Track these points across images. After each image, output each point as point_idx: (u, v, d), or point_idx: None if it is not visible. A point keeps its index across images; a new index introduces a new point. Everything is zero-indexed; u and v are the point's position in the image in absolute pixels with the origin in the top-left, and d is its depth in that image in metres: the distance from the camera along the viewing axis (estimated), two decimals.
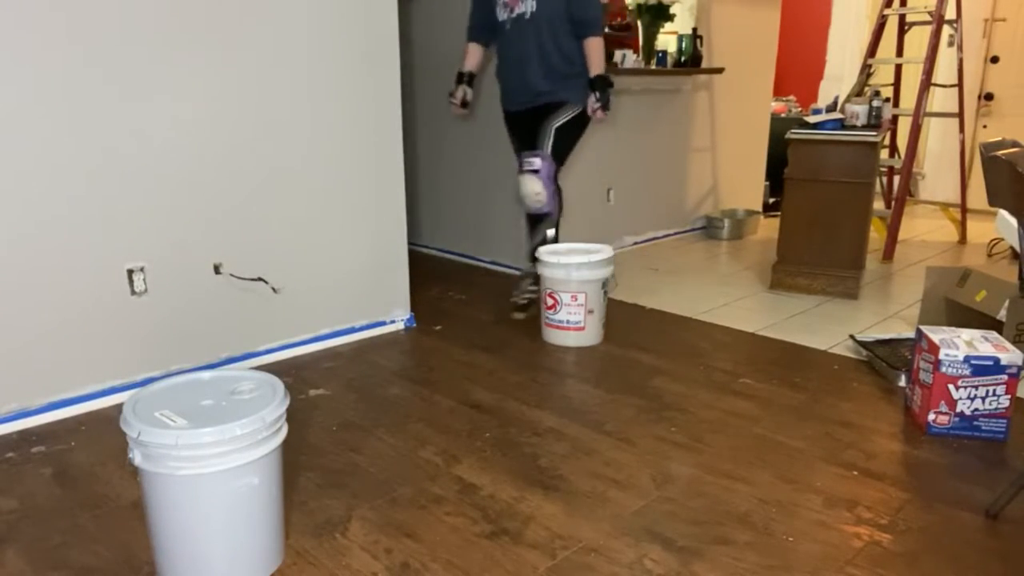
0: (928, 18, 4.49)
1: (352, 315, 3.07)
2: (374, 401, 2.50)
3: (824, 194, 3.57)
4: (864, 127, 3.61)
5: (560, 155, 3.16)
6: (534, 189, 3.06)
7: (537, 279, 3.25)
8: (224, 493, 1.49)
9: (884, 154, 4.92)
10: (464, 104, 3.26)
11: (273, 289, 2.80)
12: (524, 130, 3.22)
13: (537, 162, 3.05)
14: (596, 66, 3.07)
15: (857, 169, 3.52)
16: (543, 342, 3.05)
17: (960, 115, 4.82)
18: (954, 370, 2.18)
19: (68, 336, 2.35)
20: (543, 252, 3.00)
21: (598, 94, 3.05)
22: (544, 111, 3.12)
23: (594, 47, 3.05)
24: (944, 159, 6.06)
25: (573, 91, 3.11)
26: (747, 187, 5.50)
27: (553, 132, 3.10)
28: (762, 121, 5.48)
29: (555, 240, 3.27)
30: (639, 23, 4.49)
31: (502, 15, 3.12)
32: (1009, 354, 2.17)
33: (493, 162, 4.06)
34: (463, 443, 2.20)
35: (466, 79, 3.27)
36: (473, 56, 3.29)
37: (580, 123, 3.16)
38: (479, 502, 1.89)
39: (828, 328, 3.20)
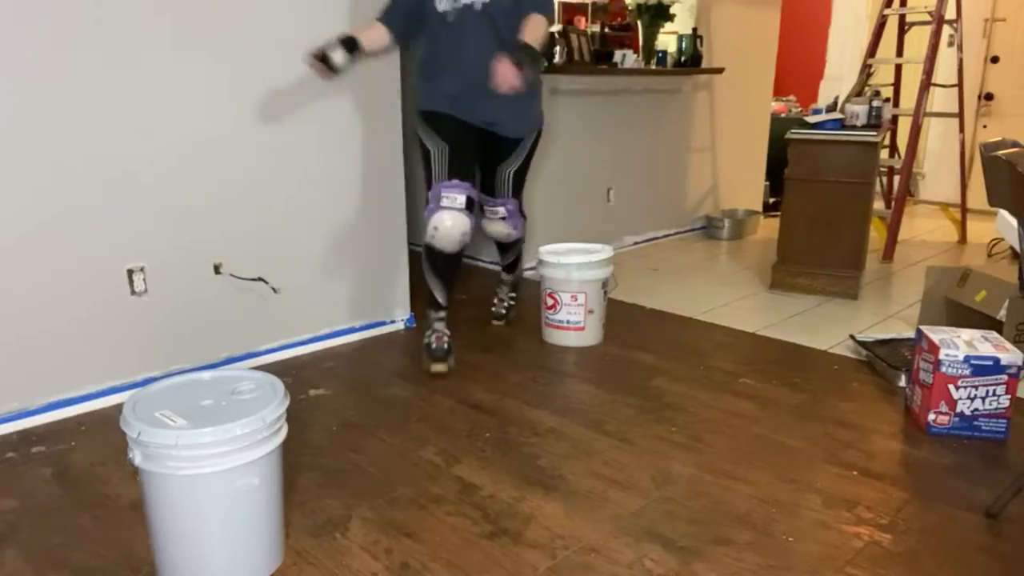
0: (928, 18, 4.49)
1: (352, 315, 3.07)
2: (374, 401, 2.50)
3: (824, 194, 3.57)
4: (864, 127, 3.61)
5: (520, 189, 2.90)
6: (505, 232, 2.93)
7: (515, 286, 3.26)
8: (224, 493, 1.49)
9: (884, 154, 4.92)
10: (326, 61, 2.43)
11: (273, 289, 2.80)
12: (462, 145, 2.64)
13: (502, 210, 2.87)
14: (531, 36, 2.41)
15: (857, 169, 3.52)
16: (543, 342, 3.05)
17: (960, 115, 4.82)
18: (954, 370, 2.18)
19: (68, 336, 2.35)
20: (544, 252, 3.00)
21: (519, 56, 2.33)
22: (497, 146, 2.75)
23: (539, 23, 2.47)
24: (944, 159, 6.06)
25: (533, 113, 2.78)
26: (747, 187, 5.50)
27: (512, 177, 2.83)
28: (762, 121, 5.48)
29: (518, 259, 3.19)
30: (639, 23, 4.49)
31: (442, 4, 2.52)
32: (1009, 354, 2.17)
33: None
34: (463, 443, 2.20)
35: (345, 41, 2.47)
36: (373, 34, 2.56)
37: (535, 146, 2.85)
38: (479, 502, 1.89)
39: (828, 328, 3.20)
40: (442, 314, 2.76)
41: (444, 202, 2.54)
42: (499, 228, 2.93)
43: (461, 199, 2.54)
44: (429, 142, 2.64)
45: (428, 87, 2.65)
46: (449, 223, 2.53)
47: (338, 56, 2.43)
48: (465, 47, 2.54)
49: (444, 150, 2.60)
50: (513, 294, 3.27)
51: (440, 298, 2.73)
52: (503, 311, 3.25)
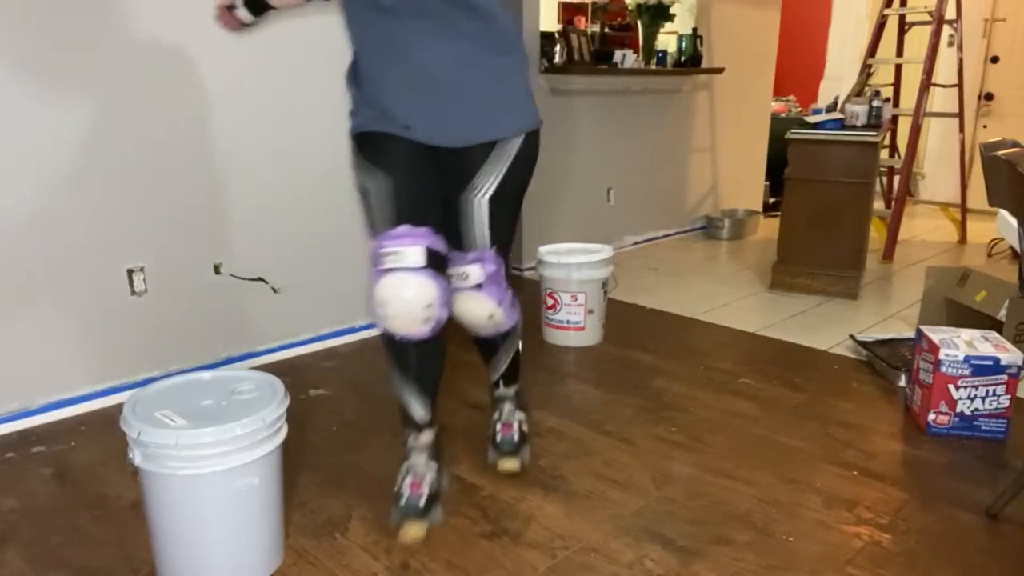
0: (928, 18, 4.49)
1: (352, 315, 3.07)
2: (374, 401, 2.50)
3: (824, 194, 3.57)
4: (864, 127, 3.61)
5: (506, 236, 1.79)
6: (485, 312, 1.79)
7: (518, 400, 2.13)
8: (224, 493, 1.49)
9: (884, 154, 4.92)
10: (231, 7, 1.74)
11: (273, 289, 2.80)
12: (414, 174, 1.69)
13: (475, 271, 1.74)
14: None
15: (857, 169, 3.52)
16: (543, 342, 3.04)
17: (960, 115, 4.82)
18: (954, 370, 2.18)
19: (68, 336, 2.35)
20: (544, 252, 2.99)
21: None
22: (458, 162, 1.70)
23: None
24: (944, 159, 6.06)
25: (519, 103, 1.72)
26: (747, 187, 5.50)
27: (488, 209, 1.71)
28: (762, 121, 5.48)
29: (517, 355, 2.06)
30: (639, 23, 4.49)
31: None
32: (1009, 354, 2.17)
33: None
34: (463, 443, 2.20)
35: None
36: None
37: (529, 163, 1.76)
38: (479, 502, 1.89)
39: (828, 328, 3.20)
40: (424, 438, 1.81)
41: (389, 261, 1.62)
42: (473, 307, 1.78)
43: (416, 252, 1.62)
44: (365, 177, 1.69)
45: (361, 99, 1.72)
46: (401, 291, 1.61)
47: (243, 13, 1.88)
48: (409, 39, 1.59)
49: (387, 186, 1.66)
50: (523, 414, 2.13)
51: (417, 412, 1.77)
52: (514, 439, 2.06)
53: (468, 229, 1.73)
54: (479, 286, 1.76)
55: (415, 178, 1.69)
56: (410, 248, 1.63)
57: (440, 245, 1.69)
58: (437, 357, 1.77)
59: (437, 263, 1.67)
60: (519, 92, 1.72)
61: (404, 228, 1.64)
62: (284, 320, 2.86)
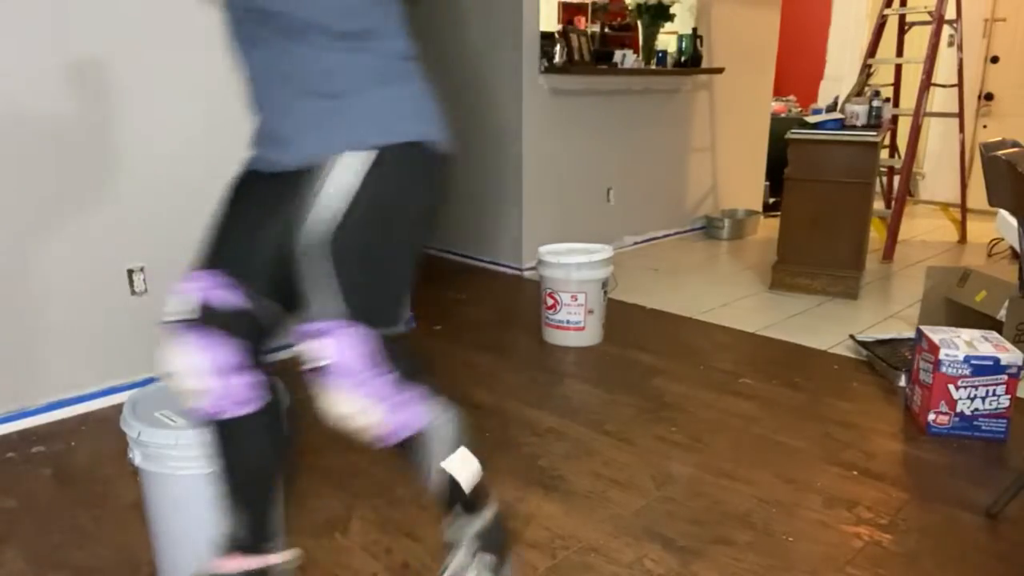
0: (928, 18, 4.49)
1: None
2: None
3: (824, 194, 3.57)
4: (864, 127, 3.61)
5: (373, 298, 1.29)
6: (338, 411, 1.26)
7: (482, 541, 1.44)
8: None
9: (884, 154, 4.92)
10: None
11: None
12: (240, 208, 1.44)
13: (315, 351, 1.24)
14: None
15: (857, 169, 3.52)
16: (543, 342, 3.05)
17: (960, 115, 4.82)
18: (954, 370, 2.18)
19: (68, 336, 2.35)
20: (543, 252, 2.99)
21: None
22: (286, 191, 1.30)
23: None
24: (944, 159, 6.06)
25: (353, 114, 1.25)
26: (747, 187, 5.50)
27: (319, 256, 1.22)
28: (762, 121, 5.48)
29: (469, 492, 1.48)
30: (639, 23, 4.49)
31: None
32: (1009, 354, 2.17)
33: (493, 161, 4.06)
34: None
35: None
36: None
37: (388, 193, 1.25)
38: None
39: (828, 328, 3.20)
40: (226, 567, 1.36)
41: (168, 311, 1.33)
42: (326, 403, 1.26)
43: (183, 303, 1.32)
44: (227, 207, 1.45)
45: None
46: (164, 352, 1.30)
47: None
48: (244, 51, 1.30)
49: (214, 223, 1.42)
50: (491, 558, 1.43)
51: (229, 524, 1.38)
52: None
53: (301, 285, 1.26)
54: (326, 372, 1.23)
55: (233, 217, 1.40)
56: (180, 297, 1.32)
57: (233, 296, 1.31)
58: (256, 451, 1.33)
59: (227, 321, 1.30)
60: (362, 101, 1.25)
61: (200, 273, 1.34)
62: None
